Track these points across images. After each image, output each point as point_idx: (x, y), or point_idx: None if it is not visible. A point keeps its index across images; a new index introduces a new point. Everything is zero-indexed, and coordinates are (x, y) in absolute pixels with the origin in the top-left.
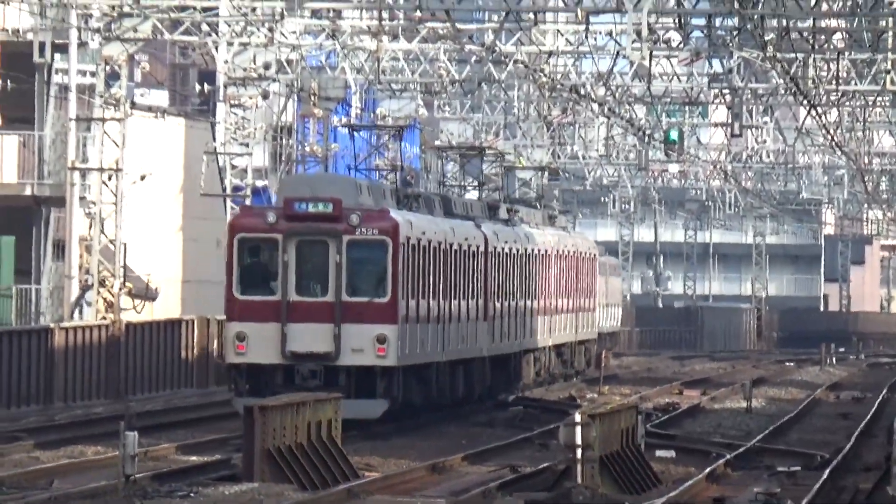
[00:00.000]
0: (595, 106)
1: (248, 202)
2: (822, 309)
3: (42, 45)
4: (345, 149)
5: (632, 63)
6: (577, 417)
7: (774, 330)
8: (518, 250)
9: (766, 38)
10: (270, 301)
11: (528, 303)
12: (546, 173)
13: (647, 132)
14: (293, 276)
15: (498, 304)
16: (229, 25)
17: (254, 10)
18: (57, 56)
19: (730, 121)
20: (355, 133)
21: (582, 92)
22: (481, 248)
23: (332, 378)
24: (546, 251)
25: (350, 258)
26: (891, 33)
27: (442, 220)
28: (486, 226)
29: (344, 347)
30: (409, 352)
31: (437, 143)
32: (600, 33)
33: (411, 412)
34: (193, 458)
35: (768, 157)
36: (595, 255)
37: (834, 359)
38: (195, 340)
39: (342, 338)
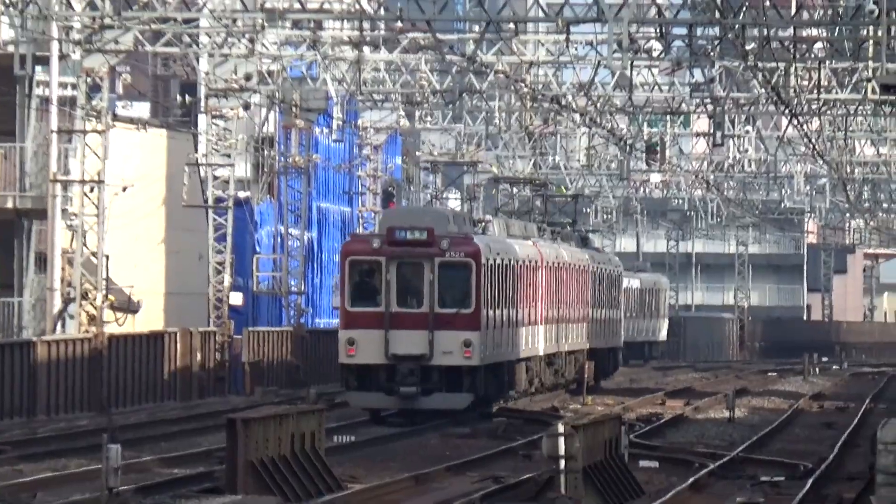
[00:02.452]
0: (576, 116)
1: (230, 214)
2: (804, 319)
3: (23, 58)
4: (326, 160)
5: (613, 73)
6: (561, 428)
7: (757, 340)
8: (563, 265)
9: (748, 48)
10: (376, 312)
11: (570, 311)
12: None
13: (629, 142)
14: (394, 291)
15: (550, 311)
16: (210, 37)
17: (235, 21)
18: (38, 68)
19: (711, 130)
20: (338, 144)
21: (563, 102)
22: (538, 263)
23: (426, 376)
24: (584, 267)
25: (441, 276)
26: (871, 42)
27: (506, 240)
28: (541, 244)
29: (436, 350)
30: (488, 353)
31: (499, 173)
32: (581, 43)
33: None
34: (177, 470)
35: (750, 166)
36: (620, 272)
37: (817, 369)
38: (178, 353)
39: (435, 342)
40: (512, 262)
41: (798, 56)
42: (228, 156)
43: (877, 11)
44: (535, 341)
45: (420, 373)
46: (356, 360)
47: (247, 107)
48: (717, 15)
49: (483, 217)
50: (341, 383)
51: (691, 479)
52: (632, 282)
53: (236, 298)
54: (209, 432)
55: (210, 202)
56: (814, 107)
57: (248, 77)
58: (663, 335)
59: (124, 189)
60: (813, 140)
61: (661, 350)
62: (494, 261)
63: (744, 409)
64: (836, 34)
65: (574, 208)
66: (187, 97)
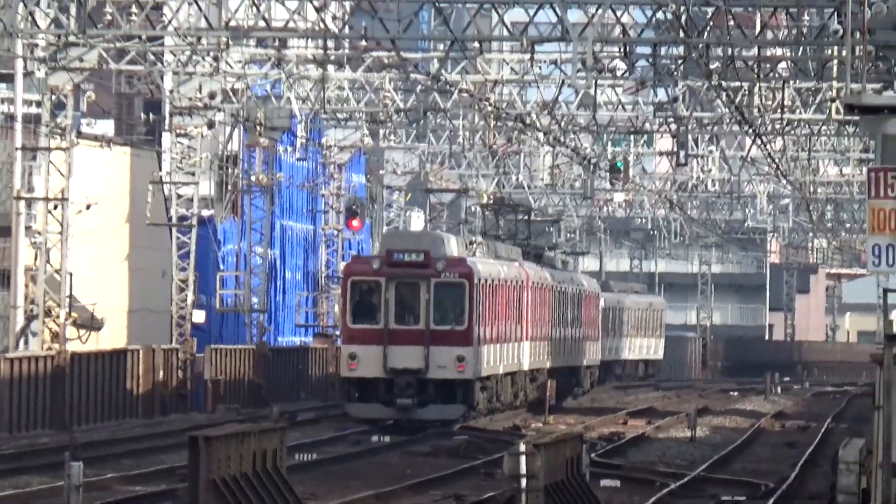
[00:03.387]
0: (540, 135)
1: (193, 232)
2: (767, 338)
3: None
4: (290, 178)
5: (577, 92)
6: (522, 447)
7: (719, 359)
8: (547, 286)
9: (712, 67)
10: (375, 329)
11: (559, 329)
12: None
13: (593, 161)
14: (393, 309)
15: (534, 329)
16: (175, 55)
17: (199, 39)
18: (2, 85)
19: (675, 150)
20: (303, 162)
21: (527, 121)
22: (523, 283)
23: (422, 388)
24: (566, 289)
25: (437, 295)
26: (836, 62)
27: (495, 261)
28: (526, 265)
29: (432, 364)
30: (481, 367)
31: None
32: (545, 62)
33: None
34: (139, 488)
35: (713, 185)
36: (598, 293)
37: (779, 388)
38: (141, 370)
39: (430, 357)
40: (501, 283)
41: (762, 76)
42: (192, 174)
43: (841, 31)
44: (522, 357)
45: (416, 385)
46: (357, 374)
47: (211, 125)
48: (681, 34)
49: (474, 239)
50: (342, 395)
51: (653, 499)
52: (626, 302)
53: (199, 316)
54: (171, 450)
55: (174, 220)
56: (777, 126)
57: (212, 95)
58: (660, 354)
59: (88, 207)
60: (776, 160)
61: (657, 368)
62: (486, 280)
63: (705, 428)
64: (800, 54)
65: (528, 226)
66: (151, 115)
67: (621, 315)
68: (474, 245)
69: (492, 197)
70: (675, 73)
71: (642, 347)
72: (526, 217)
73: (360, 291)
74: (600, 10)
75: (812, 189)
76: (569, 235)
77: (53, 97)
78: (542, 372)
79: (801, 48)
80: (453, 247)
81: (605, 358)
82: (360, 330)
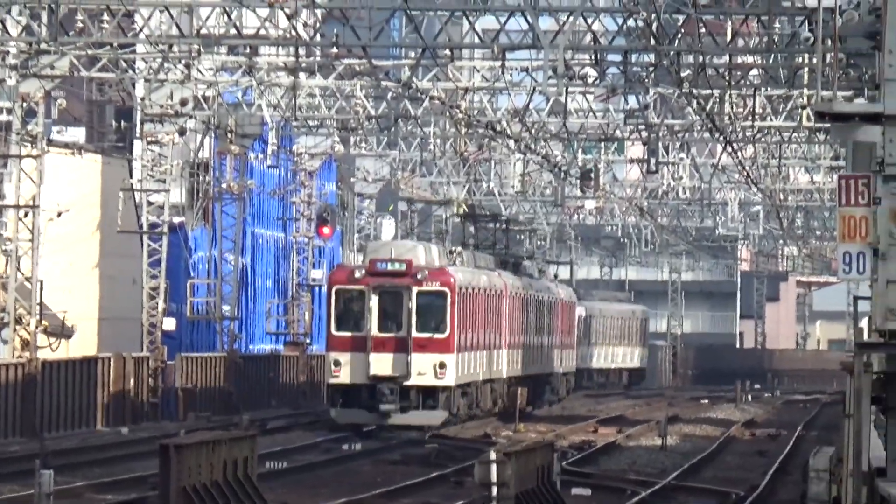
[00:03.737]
0: (511, 142)
1: (164, 239)
2: (737, 346)
3: None
4: (261, 185)
5: (548, 99)
6: (493, 455)
7: (690, 367)
8: (524, 295)
9: (682, 75)
10: (358, 336)
11: (536, 337)
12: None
13: (563, 168)
14: (375, 317)
15: (511, 338)
16: (146, 62)
17: (170, 46)
18: None
19: (646, 157)
20: (274, 169)
21: (498, 128)
22: (501, 292)
23: (404, 395)
24: (542, 298)
25: (419, 304)
26: (806, 70)
27: (475, 270)
28: (504, 275)
29: (413, 371)
30: (462, 374)
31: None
32: (516, 69)
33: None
34: (110, 496)
35: (684, 193)
36: (574, 302)
37: (749, 396)
38: (111, 378)
39: (412, 364)
40: (481, 292)
41: (733, 83)
42: (163, 181)
43: (812, 39)
44: (500, 364)
45: (399, 392)
46: (340, 380)
47: (182, 132)
48: (652, 42)
49: (454, 249)
50: (327, 401)
51: None
52: (608, 310)
53: (170, 324)
54: (142, 458)
55: (144, 227)
56: (748, 134)
57: (183, 102)
58: (643, 362)
59: (59, 214)
60: (747, 167)
61: (641, 377)
62: (467, 289)
63: (676, 436)
64: (771, 61)
65: (505, 235)
66: (122, 122)
67: (603, 324)
68: (454, 255)
69: (466, 206)
70: (646, 80)
71: (626, 356)
72: (503, 226)
73: (343, 300)
74: (571, 18)
75: (782, 196)
76: (539, 243)
77: (24, 104)
78: (520, 379)
79: (772, 56)
80: (435, 256)
81: (585, 366)
82: (343, 337)
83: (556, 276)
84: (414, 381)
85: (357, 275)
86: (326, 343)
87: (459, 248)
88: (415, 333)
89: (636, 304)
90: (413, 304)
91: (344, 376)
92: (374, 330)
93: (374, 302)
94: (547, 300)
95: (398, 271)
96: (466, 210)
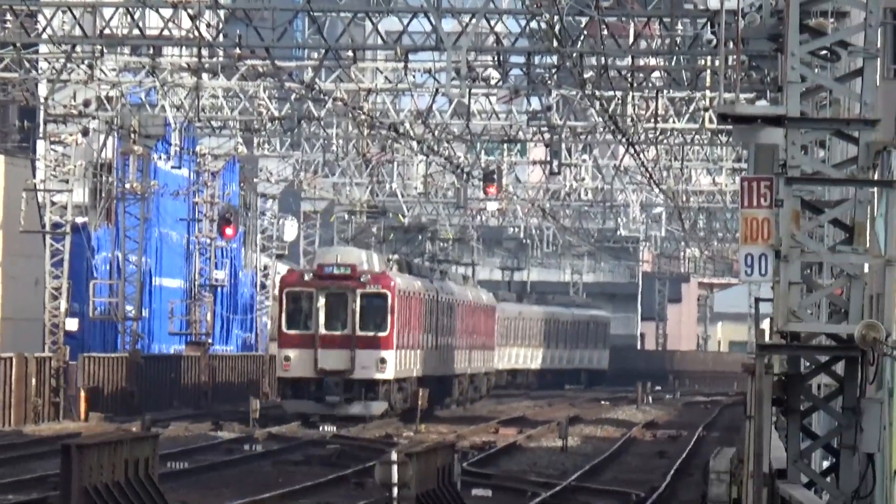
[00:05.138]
0: (414, 144)
1: (67, 240)
2: (638, 347)
3: None
4: (164, 186)
5: (451, 100)
6: (394, 456)
7: None
8: (452, 301)
9: (585, 76)
10: (307, 334)
11: (462, 339)
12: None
13: (466, 170)
14: (323, 316)
15: (440, 339)
16: (49, 62)
17: (74, 47)
18: None
19: (548, 159)
20: (177, 170)
21: (401, 129)
22: (434, 298)
23: (349, 387)
24: (471, 302)
25: (362, 305)
26: (709, 72)
27: (411, 277)
28: (436, 282)
29: (357, 366)
30: (401, 369)
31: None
32: (419, 71)
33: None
34: (11, 496)
35: (586, 194)
36: (494, 306)
37: (650, 397)
38: (13, 378)
39: (356, 359)
40: (416, 295)
41: (635, 85)
42: (66, 181)
43: (714, 41)
44: (427, 362)
45: (343, 385)
46: (290, 374)
47: (85, 132)
48: (555, 43)
49: (391, 257)
50: (277, 393)
51: None
52: (563, 314)
53: (72, 324)
54: (44, 458)
55: (47, 227)
56: (651, 136)
57: (86, 103)
58: (602, 364)
59: None
60: (649, 169)
61: (601, 377)
62: (405, 293)
63: (577, 437)
64: (673, 63)
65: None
66: (26, 122)
67: (559, 327)
68: (391, 262)
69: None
70: (549, 82)
71: (581, 358)
72: (431, 238)
73: (293, 300)
74: (474, 20)
75: (685, 198)
76: (441, 245)
77: None
78: (443, 378)
79: (675, 58)
80: (375, 262)
81: (547, 366)
82: (293, 335)
83: (465, 279)
84: (358, 374)
85: (306, 278)
86: (278, 340)
87: (396, 256)
88: (359, 331)
89: (595, 309)
90: (357, 305)
91: (293, 370)
92: (321, 328)
93: (321, 303)
94: (466, 303)
95: (344, 275)
96: (403, 223)
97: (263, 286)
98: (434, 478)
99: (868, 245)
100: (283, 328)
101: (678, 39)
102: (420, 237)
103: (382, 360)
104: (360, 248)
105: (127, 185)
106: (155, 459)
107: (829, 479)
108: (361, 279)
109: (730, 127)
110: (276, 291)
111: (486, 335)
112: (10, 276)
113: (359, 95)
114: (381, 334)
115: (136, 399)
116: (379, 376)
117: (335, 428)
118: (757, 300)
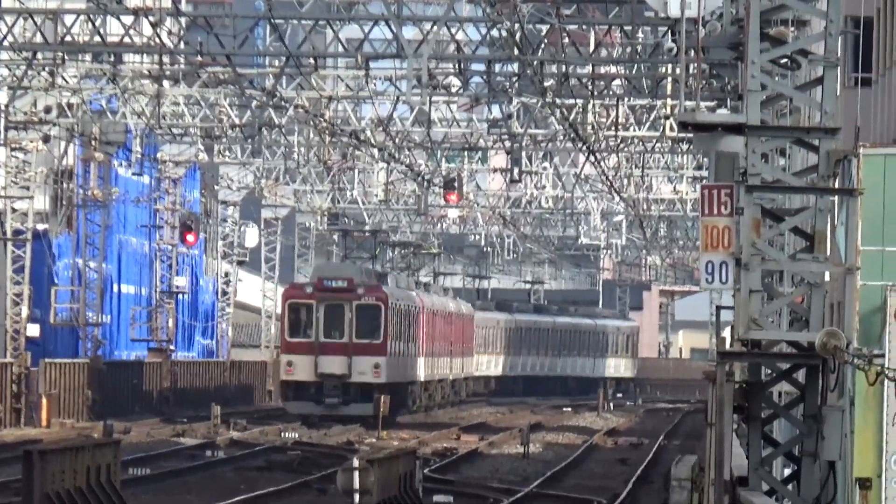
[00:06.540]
0: (375, 151)
1: (28, 246)
2: None
3: None
4: (125, 193)
5: (412, 108)
6: (356, 462)
7: None
8: (436, 310)
9: (546, 84)
10: (308, 341)
11: (444, 345)
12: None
13: (427, 177)
14: (322, 325)
15: (427, 346)
16: (10, 69)
17: (34, 54)
18: None
19: (509, 166)
20: (138, 177)
21: (362, 137)
22: (419, 308)
23: (346, 390)
24: (451, 312)
25: (358, 315)
26: (669, 80)
27: (398, 290)
28: (420, 294)
29: (354, 370)
30: (393, 374)
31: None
32: (380, 79)
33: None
34: None
35: (547, 202)
36: (473, 315)
37: (611, 404)
38: None
39: (353, 364)
40: (406, 306)
41: (596, 93)
42: (27, 188)
43: (675, 49)
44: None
45: (341, 388)
46: (293, 378)
47: (46, 139)
48: (516, 51)
49: (384, 271)
50: (281, 396)
51: None
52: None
53: (33, 330)
54: (5, 464)
55: (8, 234)
56: (611, 144)
57: (47, 110)
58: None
59: None
60: (610, 177)
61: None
62: (396, 304)
63: (538, 444)
64: (634, 72)
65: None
66: None
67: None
68: (385, 276)
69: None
70: (510, 90)
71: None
72: (414, 250)
73: (295, 311)
74: (435, 28)
75: (645, 206)
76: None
77: None
78: (429, 382)
79: (635, 66)
80: (371, 276)
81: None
82: (295, 342)
83: (446, 291)
84: (354, 378)
85: (307, 290)
86: (281, 347)
87: (388, 270)
88: (355, 339)
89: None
90: (353, 315)
91: (296, 374)
92: (321, 336)
93: (321, 313)
94: (448, 312)
95: (341, 288)
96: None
97: (225, 293)
98: (396, 484)
99: (829, 253)
100: (287, 336)
101: (639, 48)
102: (404, 251)
103: (377, 366)
104: (356, 263)
105: (88, 192)
106: (117, 465)
107: (790, 486)
108: (357, 291)
109: (690, 135)
110: (280, 304)
111: (465, 342)
112: None
113: (320, 103)
114: (375, 342)
115: (97, 405)
116: (374, 380)
117: (297, 434)
118: (718, 308)
